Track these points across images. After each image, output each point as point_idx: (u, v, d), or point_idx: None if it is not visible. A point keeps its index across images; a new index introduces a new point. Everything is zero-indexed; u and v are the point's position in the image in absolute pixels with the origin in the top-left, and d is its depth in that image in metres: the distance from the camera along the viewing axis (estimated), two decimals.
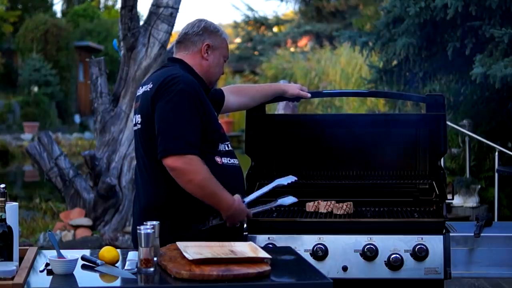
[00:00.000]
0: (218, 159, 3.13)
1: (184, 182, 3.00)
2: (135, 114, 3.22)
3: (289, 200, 3.32)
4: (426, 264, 3.27)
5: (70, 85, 25.36)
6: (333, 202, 3.63)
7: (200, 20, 3.29)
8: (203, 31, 3.24)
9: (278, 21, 26.69)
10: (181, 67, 3.18)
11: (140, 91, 3.20)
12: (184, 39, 3.26)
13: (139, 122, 3.13)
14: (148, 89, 3.11)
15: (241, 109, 3.70)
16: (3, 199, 2.60)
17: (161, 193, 3.10)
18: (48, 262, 2.66)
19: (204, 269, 2.53)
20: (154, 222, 2.78)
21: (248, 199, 3.23)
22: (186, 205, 3.08)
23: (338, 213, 3.55)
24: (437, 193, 3.61)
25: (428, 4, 7.27)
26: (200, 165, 2.99)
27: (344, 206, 3.57)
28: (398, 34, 7.86)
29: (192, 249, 2.69)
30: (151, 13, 7.87)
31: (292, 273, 2.79)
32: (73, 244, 7.37)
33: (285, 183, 3.34)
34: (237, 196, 3.11)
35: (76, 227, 7.79)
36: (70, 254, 2.70)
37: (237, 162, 3.23)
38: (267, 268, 2.59)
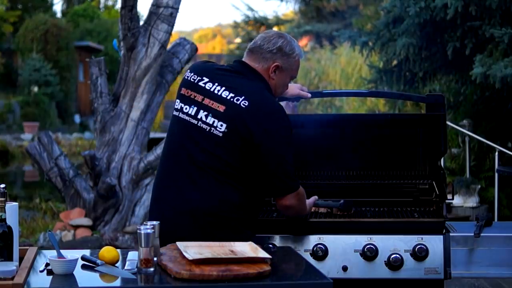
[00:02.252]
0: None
1: (292, 214, 3.24)
2: (203, 112, 3.08)
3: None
4: (426, 264, 3.27)
5: (70, 85, 25.36)
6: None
7: (279, 37, 3.21)
8: (278, 51, 3.18)
9: (278, 21, 26.63)
10: (266, 87, 3.16)
11: (220, 91, 3.08)
12: (257, 51, 3.19)
13: (220, 129, 3.04)
14: (243, 106, 3.03)
15: None
16: (3, 199, 2.60)
17: (234, 197, 3.08)
18: (48, 262, 2.67)
19: (204, 269, 2.54)
20: (154, 222, 2.79)
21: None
22: (252, 208, 3.16)
23: (338, 212, 3.55)
24: (437, 193, 3.61)
25: (428, 4, 7.28)
26: (305, 196, 3.23)
27: None
28: (398, 34, 7.87)
29: (192, 249, 2.69)
30: (151, 13, 7.87)
31: (292, 273, 2.80)
32: (73, 244, 7.37)
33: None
34: (313, 200, 3.39)
35: (76, 227, 7.79)
36: (70, 254, 2.70)
37: None
38: (267, 268, 2.59)
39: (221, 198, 3.06)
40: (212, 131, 3.06)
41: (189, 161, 3.10)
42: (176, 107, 3.19)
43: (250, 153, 3.04)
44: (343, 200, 3.57)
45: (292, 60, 3.23)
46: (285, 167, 3.07)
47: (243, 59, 3.24)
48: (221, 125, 3.05)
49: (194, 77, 3.17)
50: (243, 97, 3.05)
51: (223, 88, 3.09)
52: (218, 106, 3.07)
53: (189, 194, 3.08)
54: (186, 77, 3.21)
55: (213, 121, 3.06)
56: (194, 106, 3.11)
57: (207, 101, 3.10)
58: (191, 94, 3.14)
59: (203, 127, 3.08)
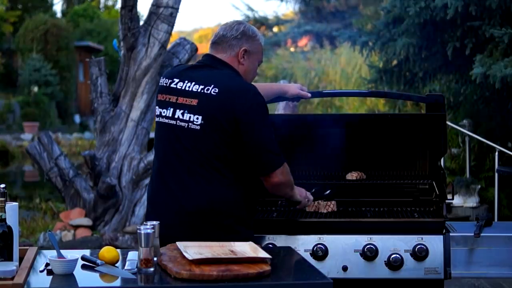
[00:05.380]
0: None
1: (284, 191, 3.23)
2: (180, 111, 3.11)
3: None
4: (426, 264, 3.28)
5: (70, 85, 25.34)
6: (333, 202, 3.63)
7: (239, 23, 3.26)
8: (242, 35, 3.22)
9: (278, 21, 26.62)
10: (236, 74, 3.18)
11: (190, 87, 3.11)
12: (222, 41, 3.23)
13: (197, 122, 3.06)
14: (213, 93, 3.06)
15: None
16: (3, 199, 2.61)
17: (225, 194, 3.08)
18: (48, 262, 2.67)
19: (204, 269, 2.54)
20: (154, 222, 2.79)
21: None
22: (247, 203, 3.16)
23: (352, 178, 3.62)
24: (437, 193, 3.61)
25: (428, 4, 7.28)
26: (289, 171, 3.20)
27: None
28: (398, 34, 7.87)
29: (192, 249, 2.69)
30: (151, 13, 7.87)
31: (292, 273, 2.80)
32: (73, 244, 7.37)
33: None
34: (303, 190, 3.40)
35: (76, 227, 7.80)
36: (70, 254, 2.70)
37: None
38: (267, 268, 2.59)
39: (210, 197, 3.07)
40: (190, 126, 3.10)
41: (176, 161, 3.13)
42: (156, 113, 3.25)
43: (231, 139, 3.06)
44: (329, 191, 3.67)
45: (257, 43, 3.27)
46: (267, 143, 3.08)
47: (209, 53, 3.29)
48: (197, 118, 3.08)
49: (166, 81, 3.22)
50: (212, 86, 3.09)
51: (193, 83, 3.14)
52: (192, 101, 3.11)
53: (180, 195, 3.10)
54: (160, 84, 3.27)
55: (189, 117, 3.10)
56: (170, 108, 3.16)
57: (181, 100, 3.14)
58: (166, 98, 3.19)
59: (182, 124, 3.12)
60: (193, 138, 3.08)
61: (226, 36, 3.22)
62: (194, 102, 3.10)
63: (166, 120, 3.16)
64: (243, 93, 3.09)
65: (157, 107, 3.25)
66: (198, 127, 3.07)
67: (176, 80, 3.19)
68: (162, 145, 3.21)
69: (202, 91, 3.09)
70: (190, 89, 3.13)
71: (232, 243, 2.83)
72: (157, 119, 3.24)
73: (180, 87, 3.16)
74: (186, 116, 3.10)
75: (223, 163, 3.08)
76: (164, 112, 3.18)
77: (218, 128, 3.05)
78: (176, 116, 3.13)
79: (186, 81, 3.16)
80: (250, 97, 3.08)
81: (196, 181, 3.08)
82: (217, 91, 3.07)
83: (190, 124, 3.09)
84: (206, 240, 2.87)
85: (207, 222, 3.06)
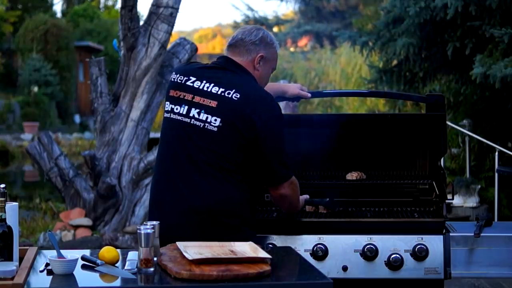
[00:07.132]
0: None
1: (286, 205, 3.25)
2: (195, 109, 3.09)
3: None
4: (426, 264, 3.28)
5: (70, 85, 25.34)
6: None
7: (258, 29, 3.25)
8: (260, 42, 3.21)
9: (278, 21, 26.65)
10: (253, 79, 3.19)
11: (209, 88, 3.10)
12: (239, 44, 3.22)
13: (215, 124, 3.05)
14: (235, 98, 3.05)
15: None
16: (3, 199, 2.60)
17: (234, 194, 3.08)
18: (48, 262, 2.67)
19: (204, 269, 2.54)
20: (154, 222, 2.79)
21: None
22: (252, 204, 3.18)
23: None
24: (437, 193, 3.61)
25: (428, 4, 7.28)
26: (298, 187, 3.24)
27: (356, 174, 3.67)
28: (398, 34, 7.87)
29: (192, 249, 2.69)
30: (151, 13, 7.87)
31: (292, 273, 2.80)
32: (73, 244, 7.38)
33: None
34: (304, 198, 3.43)
35: (76, 227, 7.80)
36: (70, 254, 2.70)
37: None
38: (267, 268, 2.59)
39: (219, 197, 3.06)
40: (206, 127, 3.07)
41: (186, 160, 3.10)
42: (166, 109, 3.20)
43: (246, 145, 3.05)
44: (329, 199, 3.61)
45: (273, 50, 3.27)
46: (280, 155, 3.11)
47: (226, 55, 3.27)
48: (215, 120, 3.06)
49: (181, 78, 3.18)
50: (233, 90, 3.08)
51: (212, 84, 3.11)
52: (210, 102, 3.08)
53: (188, 194, 3.07)
54: (172, 79, 3.22)
55: (206, 117, 3.07)
56: (185, 105, 3.12)
57: (197, 99, 3.11)
58: (180, 95, 3.16)
59: (197, 124, 3.09)
60: (209, 139, 3.06)
61: (244, 40, 3.21)
62: (213, 103, 3.07)
63: (179, 117, 3.12)
64: (264, 103, 3.10)
65: (167, 102, 3.20)
66: (215, 129, 3.06)
67: (193, 79, 3.15)
68: (171, 143, 3.17)
69: (223, 94, 3.08)
70: (209, 90, 3.10)
71: (232, 243, 2.83)
72: (167, 115, 3.19)
73: (197, 86, 3.13)
74: (203, 116, 3.08)
75: (235, 165, 3.07)
76: (177, 109, 3.14)
77: (236, 132, 3.04)
78: (191, 115, 3.10)
79: (204, 81, 3.13)
80: (270, 107, 3.10)
81: (207, 181, 3.06)
82: (238, 96, 3.06)
83: (206, 124, 3.07)
84: (212, 239, 2.87)
85: (215, 222, 3.06)
